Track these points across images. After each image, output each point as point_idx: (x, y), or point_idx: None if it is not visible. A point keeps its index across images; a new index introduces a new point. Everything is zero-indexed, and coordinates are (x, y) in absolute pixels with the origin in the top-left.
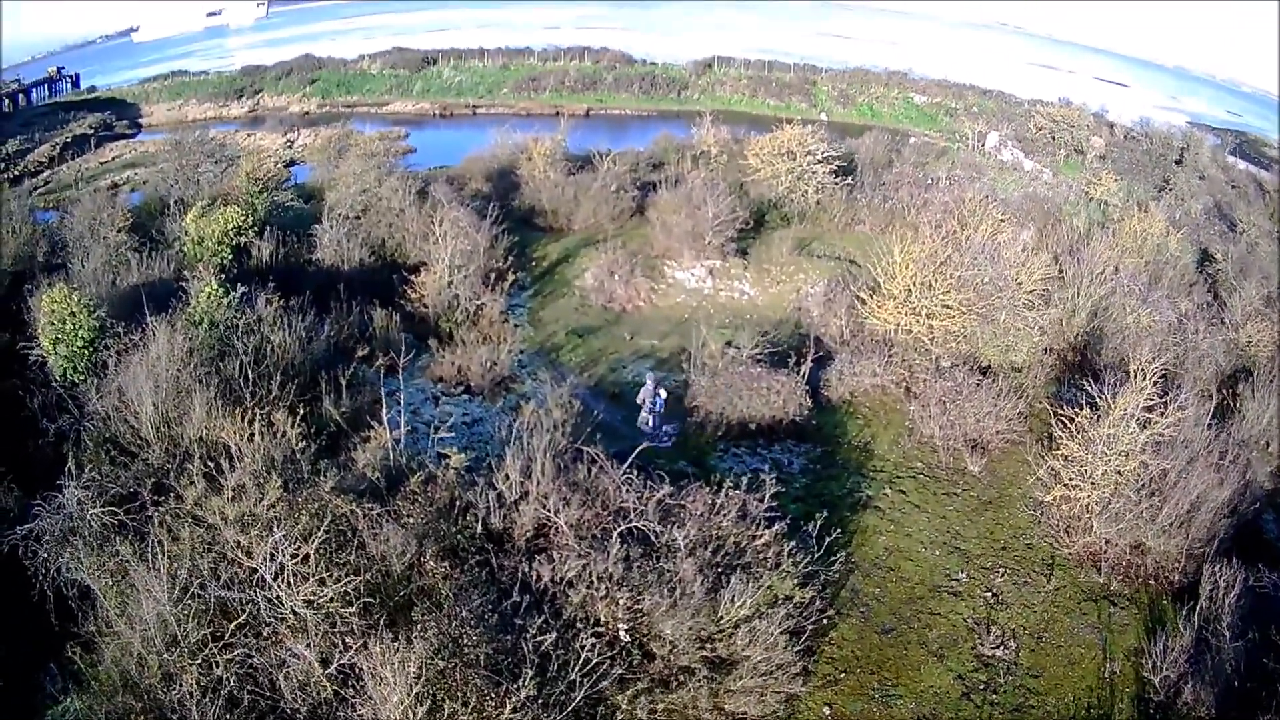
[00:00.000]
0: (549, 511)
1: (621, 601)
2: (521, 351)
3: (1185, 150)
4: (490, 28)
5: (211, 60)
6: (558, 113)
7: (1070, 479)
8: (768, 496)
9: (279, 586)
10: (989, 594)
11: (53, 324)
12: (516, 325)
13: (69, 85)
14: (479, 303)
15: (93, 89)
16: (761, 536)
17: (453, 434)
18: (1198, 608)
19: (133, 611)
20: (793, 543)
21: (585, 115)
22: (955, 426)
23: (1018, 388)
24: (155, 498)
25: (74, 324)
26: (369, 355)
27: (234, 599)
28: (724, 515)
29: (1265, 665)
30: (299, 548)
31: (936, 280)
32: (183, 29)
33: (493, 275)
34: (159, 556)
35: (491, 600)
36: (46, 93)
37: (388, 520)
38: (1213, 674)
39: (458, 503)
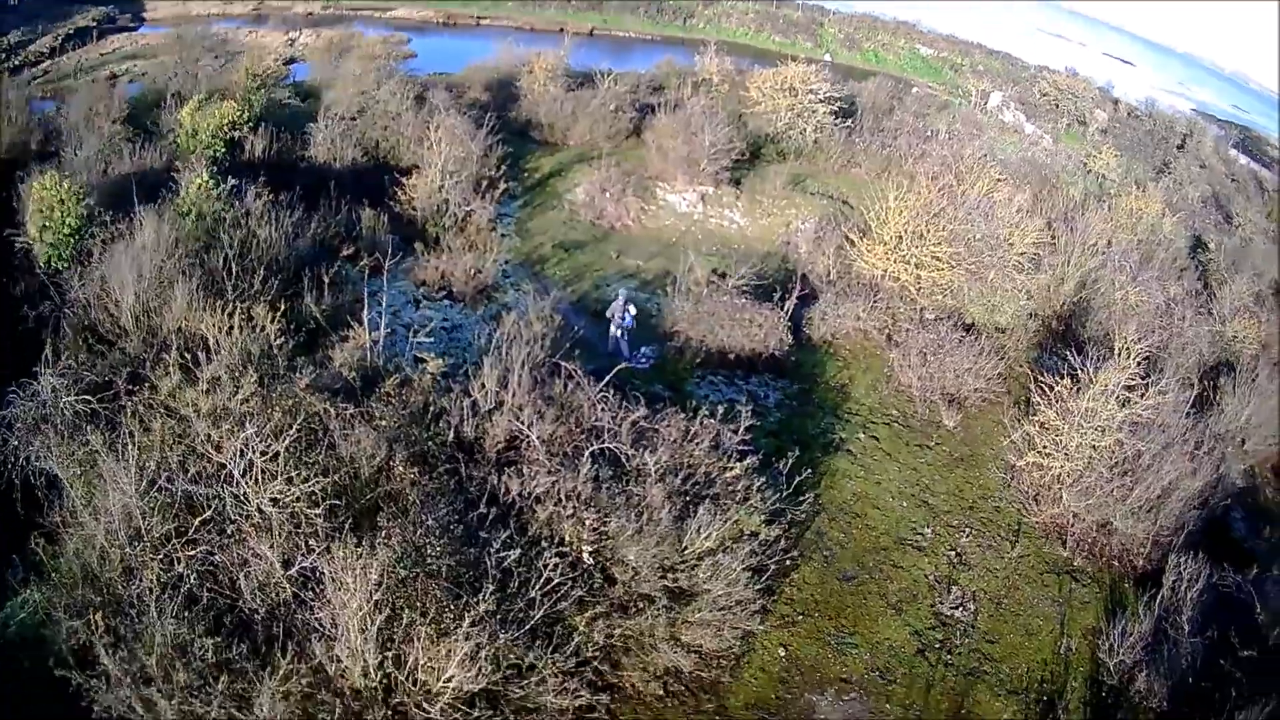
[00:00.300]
0: (522, 424)
1: (587, 522)
2: (506, 261)
3: (1188, 136)
4: None
5: None
6: (561, 30)
7: (1044, 447)
8: (742, 429)
9: (246, 483)
10: (953, 553)
11: (40, 211)
12: (504, 235)
13: None
14: (468, 209)
15: None
16: (733, 469)
17: (431, 339)
18: (1159, 596)
19: (99, 503)
20: (763, 478)
21: (589, 34)
22: (934, 379)
23: (1000, 348)
24: (130, 387)
25: (61, 211)
26: (354, 255)
27: (201, 494)
28: (697, 444)
29: (1221, 666)
30: (269, 445)
31: (928, 231)
32: None
33: (484, 183)
34: (129, 447)
35: (458, 510)
36: None
37: (360, 421)
38: (1168, 666)
39: (431, 409)
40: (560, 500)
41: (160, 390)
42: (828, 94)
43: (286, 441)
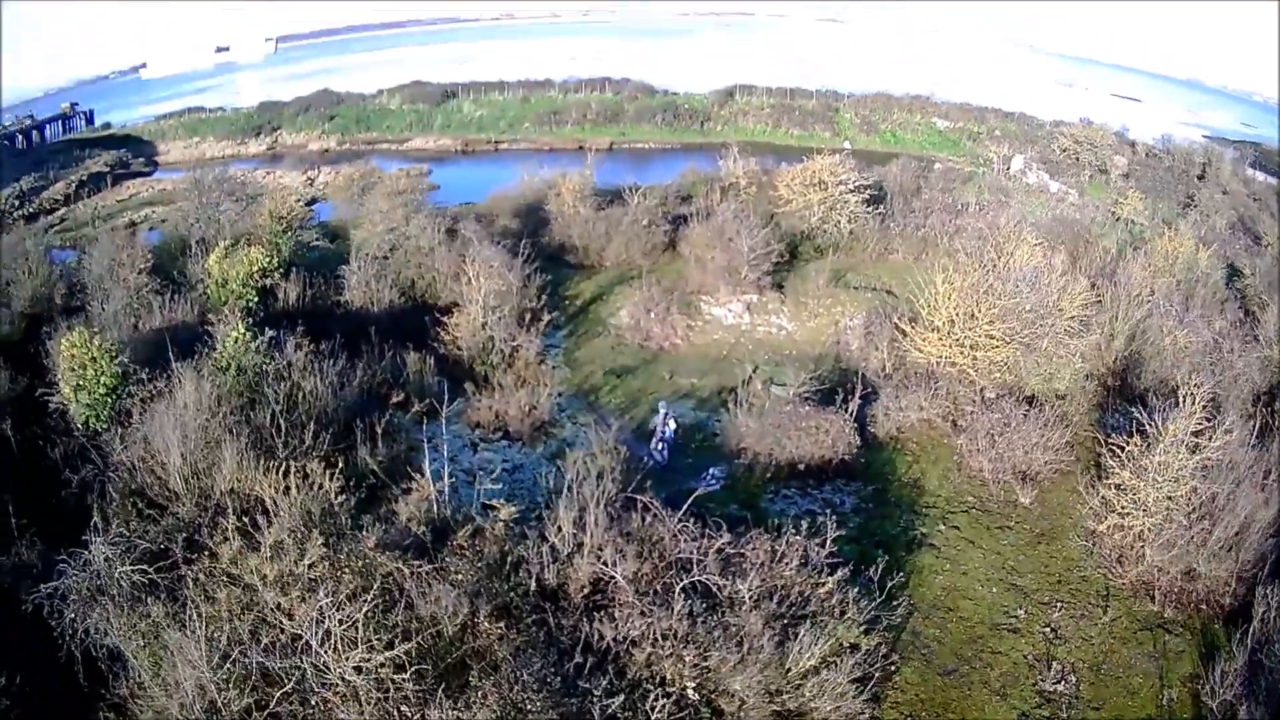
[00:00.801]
0: (606, 566)
1: (688, 659)
2: (559, 394)
3: (1207, 165)
4: (509, 60)
5: (224, 96)
6: (581, 147)
7: (1123, 508)
8: (828, 541)
9: (326, 653)
10: (1047, 629)
11: (73, 370)
12: (553, 367)
13: (83, 122)
14: (514, 344)
15: (107, 125)
16: (825, 584)
17: (499, 485)
18: (1250, 630)
19: (168, 676)
20: (855, 588)
21: (609, 149)
22: (1004, 459)
23: (1063, 416)
24: (187, 555)
25: (95, 370)
26: (404, 401)
27: (277, 666)
28: (786, 563)
29: None
30: (345, 610)
31: (980, 310)
32: (191, 65)
33: (527, 315)
34: (194, 619)
35: (552, 662)
36: (60, 129)
37: (437, 578)
38: (1266, 694)
39: (509, 558)
40: (657, 640)
41: (221, 557)
42: (857, 182)
43: (365, 607)
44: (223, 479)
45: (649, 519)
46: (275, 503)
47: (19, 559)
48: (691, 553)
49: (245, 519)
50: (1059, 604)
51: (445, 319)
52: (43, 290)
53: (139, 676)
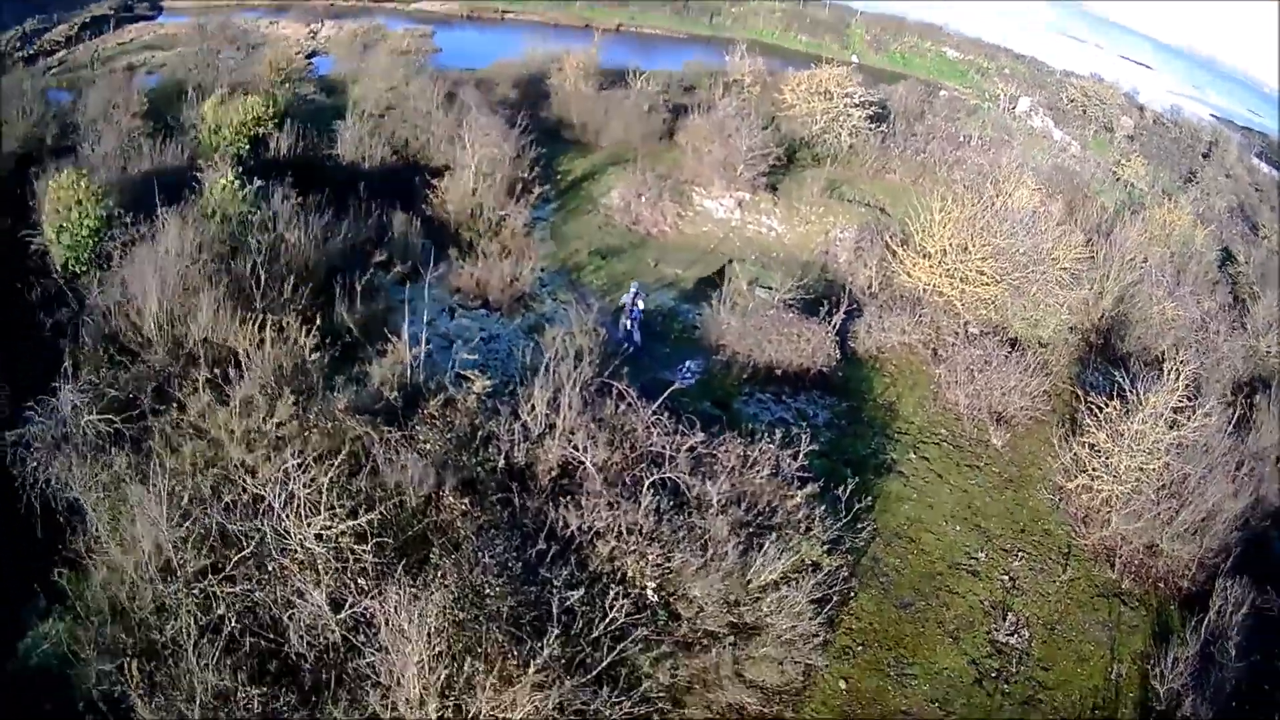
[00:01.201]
0: (576, 450)
1: (650, 558)
2: (542, 269)
3: (1213, 145)
4: None
5: None
6: (587, 26)
7: (1094, 470)
8: (801, 454)
9: (288, 517)
10: (1006, 577)
11: (57, 211)
12: (539, 240)
13: None
14: (502, 214)
15: None
16: (793, 497)
17: (475, 356)
18: (1205, 620)
19: (126, 531)
20: (823, 506)
21: (616, 30)
22: (981, 396)
23: (1044, 364)
24: (156, 405)
25: (80, 212)
26: (387, 261)
27: (237, 527)
28: (757, 471)
29: (1265, 690)
30: (311, 473)
31: (974, 245)
32: None
33: (519, 186)
34: (157, 473)
35: (515, 546)
36: None
37: (405, 446)
38: (1214, 691)
39: (479, 432)
40: (622, 534)
41: (189, 410)
42: (862, 98)
43: (330, 471)
44: (198, 328)
45: (623, 407)
46: (248, 355)
47: None
48: (663, 447)
49: (217, 371)
50: (1020, 554)
51: (436, 181)
52: (35, 130)
53: (96, 530)
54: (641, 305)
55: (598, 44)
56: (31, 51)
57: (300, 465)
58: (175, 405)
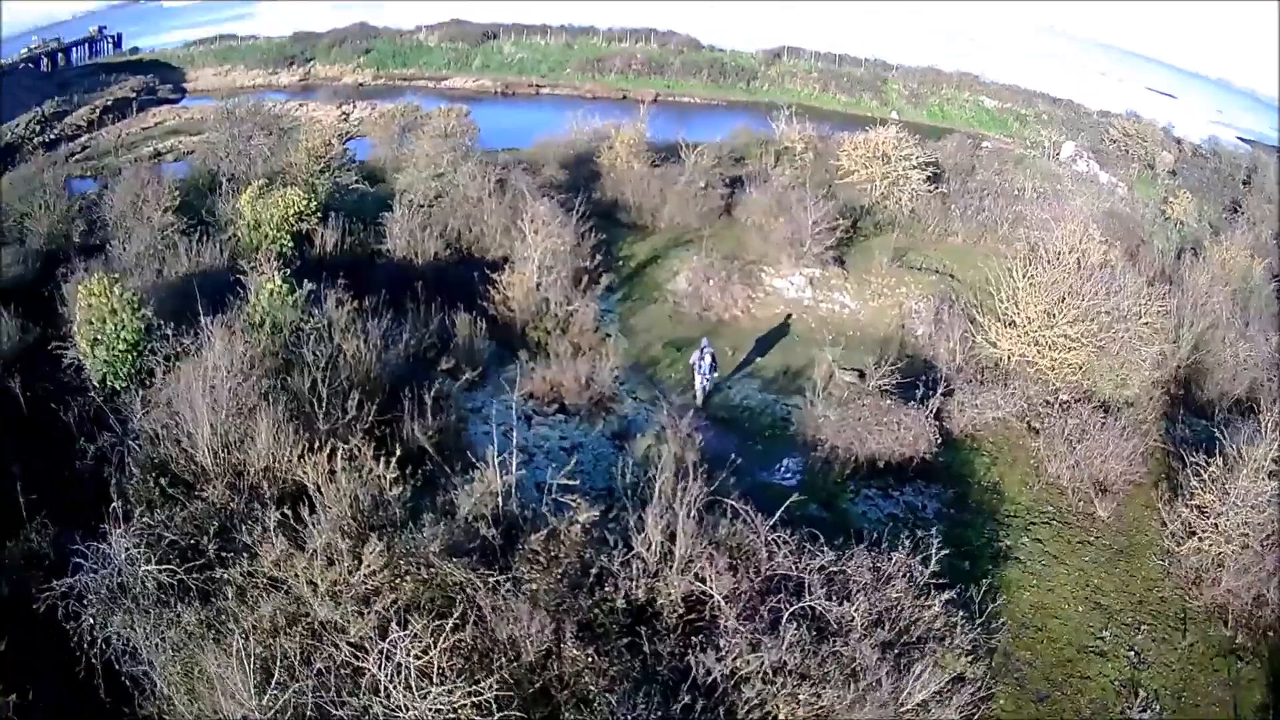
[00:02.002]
0: (705, 585)
1: (803, 698)
2: (617, 367)
3: (1253, 172)
4: (548, 3)
5: (250, 26)
6: (624, 96)
7: (1204, 531)
8: (933, 559)
9: (396, 688)
10: (1132, 653)
11: (90, 322)
12: (608, 335)
13: (110, 46)
14: (570, 309)
15: (135, 50)
16: (931, 606)
17: (575, 481)
18: None
19: (203, 700)
20: (960, 612)
21: (654, 101)
22: (1081, 467)
23: (1137, 424)
24: (222, 552)
25: (115, 324)
26: (454, 368)
27: (333, 696)
28: (892, 585)
29: None
30: (414, 634)
31: (1060, 310)
32: None
33: (583, 277)
34: (232, 632)
35: (656, 702)
36: (87, 53)
37: (514, 593)
38: None
39: (591, 568)
40: (768, 676)
41: (263, 560)
42: (920, 159)
43: (440, 634)
44: (257, 455)
45: (737, 524)
46: (319, 490)
47: (30, 546)
48: (792, 569)
49: (286, 510)
50: (1141, 626)
51: (495, 276)
52: (60, 227)
53: (168, 693)
54: (709, 361)
55: (644, 117)
56: (53, 136)
57: (402, 627)
58: (245, 552)
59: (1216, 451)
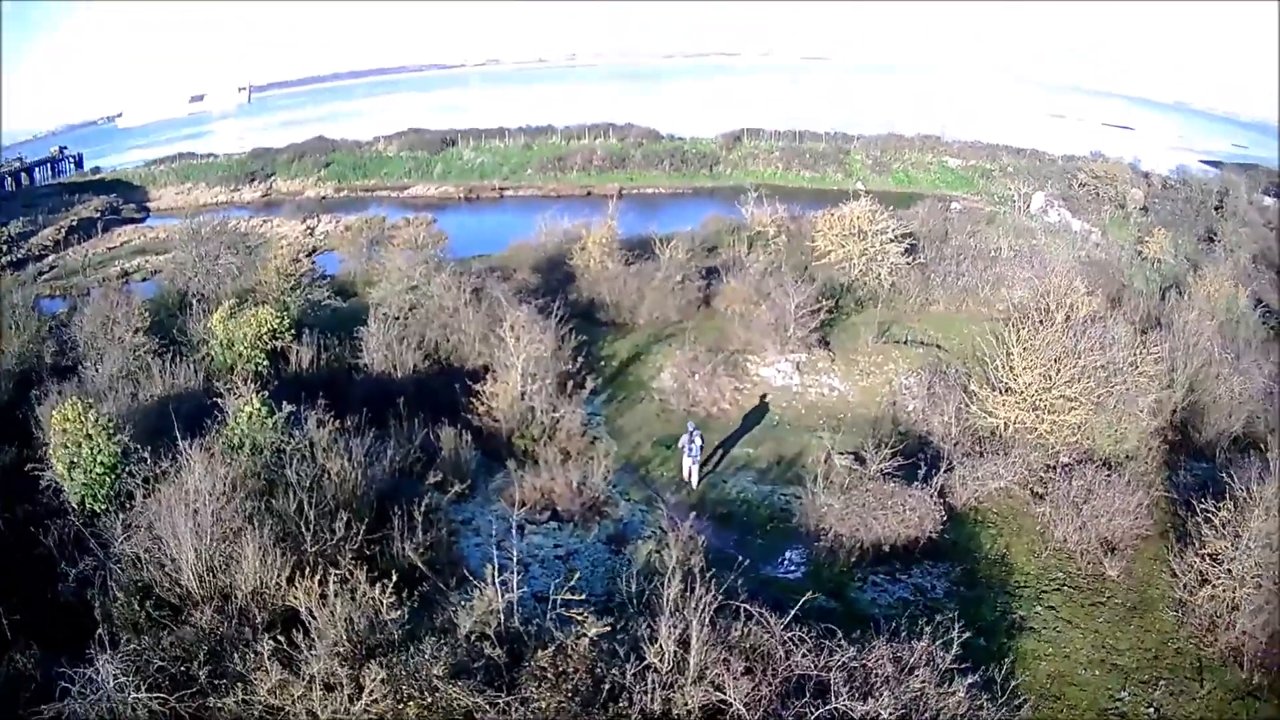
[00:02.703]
0: (725, 695)
1: None
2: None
3: (1224, 196)
4: (503, 107)
5: (205, 144)
6: (589, 193)
7: (1217, 577)
8: (955, 642)
9: None
10: (1151, 710)
11: (65, 446)
12: (595, 438)
13: (72, 165)
14: (556, 415)
15: (97, 170)
16: (955, 694)
17: (581, 594)
18: None
19: None
20: (986, 695)
21: (618, 195)
22: (1088, 528)
23: (1140, 477)
24: (213, 680)
25: (91, 448)
26: (441, 482)
27: None
28: (915, 675)
29: None
30: None
31: (1058, 371)
32: (167, 114)
33: (569, 383)
34: None
35: None
36: (50, 173)
37: (526, 715)
38: None
39: (603, 683)
40: None
41: (258, 689)
42: (896, 230)
43: None
44: (244, 578)
45: (750, 626)
46: (312, 614)
47: (14, 668)
48: (810, 667)
49: (279, 636)
50: (1159, 681)
51: (478, 387)
52: (31, 348)
53: None
54: (699, 443)
55: (614, 213)
56: (19, 256)
57: None
58: (238, 681)
59: (1226, 495)
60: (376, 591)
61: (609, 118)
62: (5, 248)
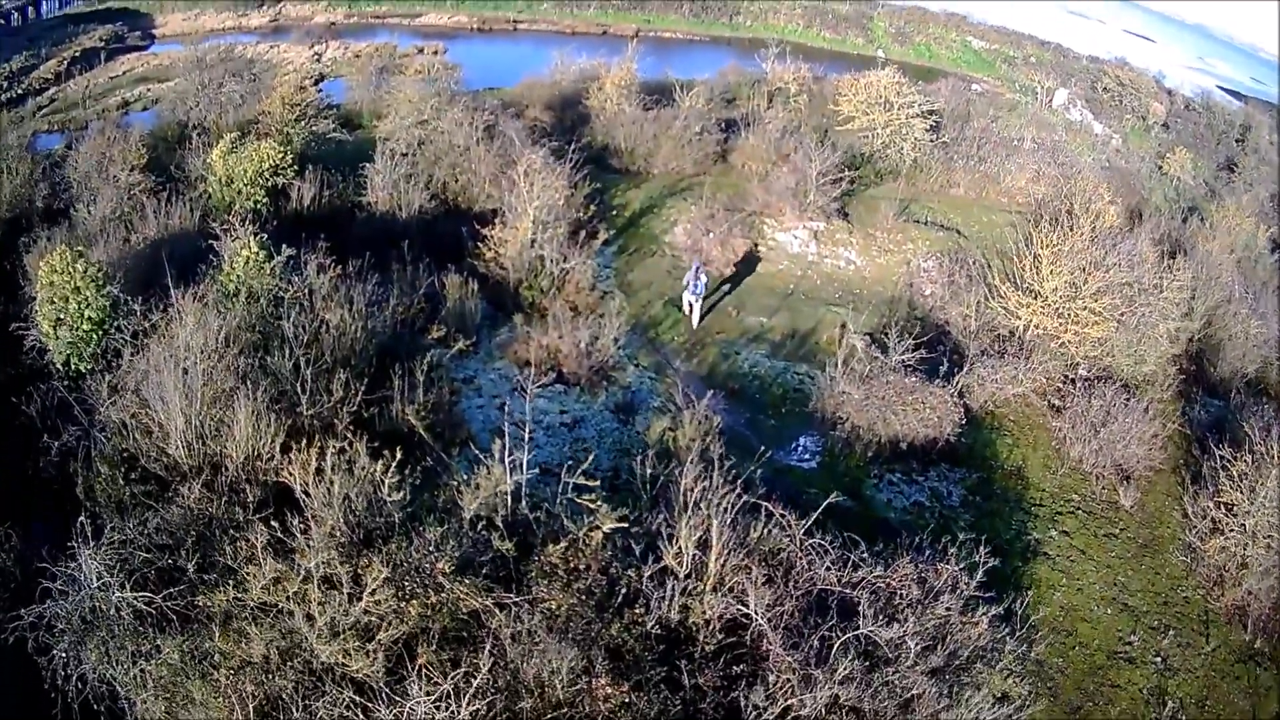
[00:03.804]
0: (747, 608)
1: None
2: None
3: (1248, 130)
4: None
5: None
6: (605, 32)
7: (1230, 530)
8: (980, 568)
9: None
10: (1158, 659)
11: (51, 301)
12: (605, 292)
13: None
14: (566, 266)
15: None
16: (978, 624)
17: (597, 482)
18: None
19: None
20: (1006, 627)
21: (635, 36)
22: (1104, 452)
23: (1158, 406)
24: (203, 574)
25: (78, 301)
26: (445, 336)
27: None
28: (940, 601)
29: None
30: (433, 685)
31: (1084, 282)
32: None
33: (581, 232)
34: (220, 667)
35: None
36: (56, 4)
37: (538, 621)
38: None
39: (617, 585)
40: (821, 716)
41: (251, 588)
42: (923, 105)
43: (470, 690)
44: (235, 447)
45: (771, 528)
46: (307, 488)
47: None
48: (834, 582)
49: (272, 520)
50: (1168, 630)
51: (486, 232)
52: (23, 190)
53: None
54: (704, 280)
55: (633, 55)
56: (20, 91)
57: (410, 657)
58: (229, 576)
59: (1245, 447)
60: (377, 468)
61: None
62: (6, 84)
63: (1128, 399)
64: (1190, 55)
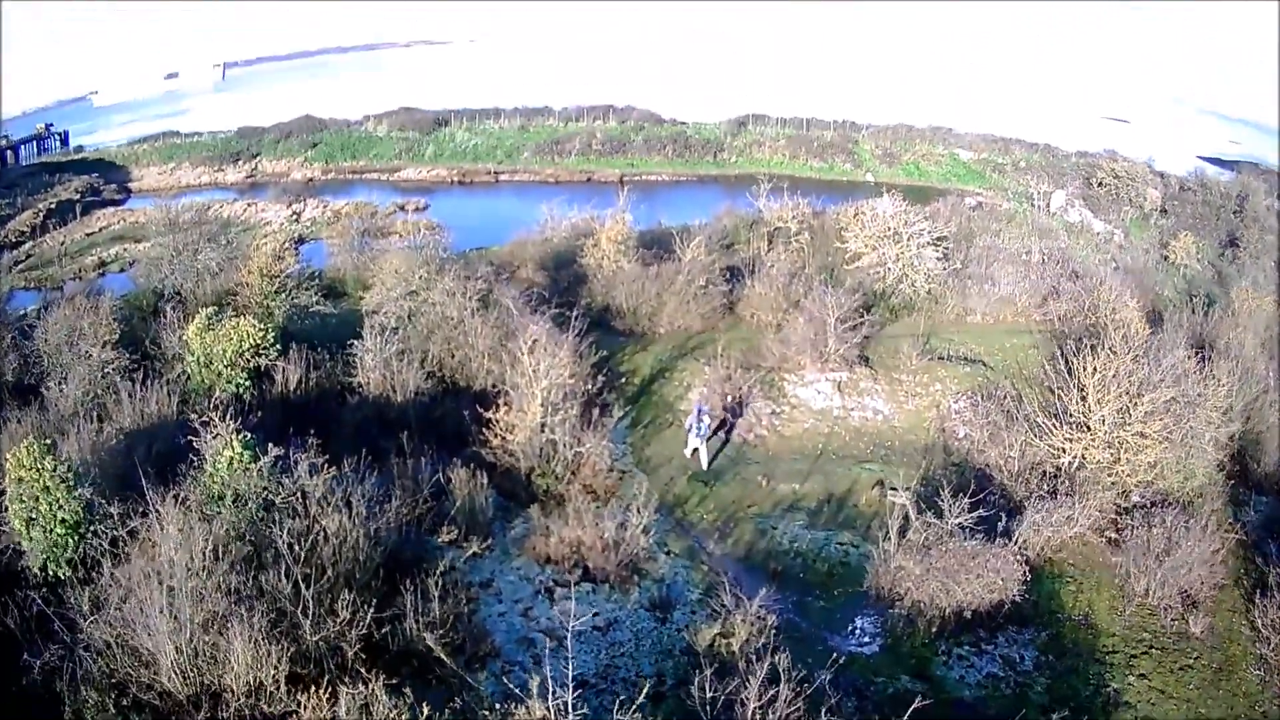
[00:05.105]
0: None
1: None
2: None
3: (1244, 200)
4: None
5: (182, 122)
6: (589, 179)
7: None
8: None
9: None
10: None
11: (22, 500)
12: (624, 472)
13: (58, 143)
14: (580, 449)
15: (80, 149)
16: None
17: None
18: None
19: None
20: None
21: (619, 182)
22: (1169, 583)
23: (1218, 523)
24: None
25: (50, 502)
26: (457, 538)
27: None
28: None
29: None
30: None
31: (1135, 405)
32: (141, 93)
33: (594, 409)
34: None
35: None
36: (35, 150)
37: None
38: None
39: None
40: None
41: None
42: (934, 232)
43: None
44: (234, 677)
45: None
46: None
47: None
48: None
49: None
50: None
51: (489, 414)
52: None
53: None
54: (708, 420)
55: (625, 204)
56: None
57: None
58: None
59: None
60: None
61: (609, 99)
62: None
63: (1187, 520)
64: (1167, 131)
